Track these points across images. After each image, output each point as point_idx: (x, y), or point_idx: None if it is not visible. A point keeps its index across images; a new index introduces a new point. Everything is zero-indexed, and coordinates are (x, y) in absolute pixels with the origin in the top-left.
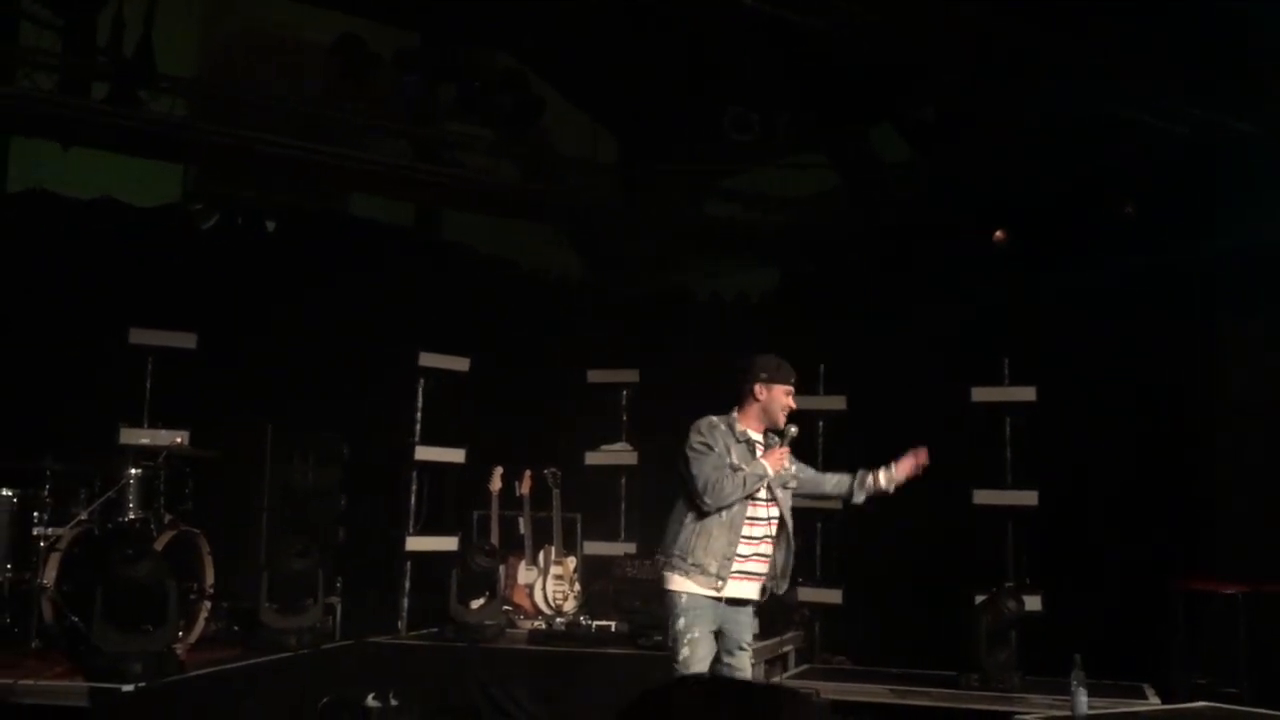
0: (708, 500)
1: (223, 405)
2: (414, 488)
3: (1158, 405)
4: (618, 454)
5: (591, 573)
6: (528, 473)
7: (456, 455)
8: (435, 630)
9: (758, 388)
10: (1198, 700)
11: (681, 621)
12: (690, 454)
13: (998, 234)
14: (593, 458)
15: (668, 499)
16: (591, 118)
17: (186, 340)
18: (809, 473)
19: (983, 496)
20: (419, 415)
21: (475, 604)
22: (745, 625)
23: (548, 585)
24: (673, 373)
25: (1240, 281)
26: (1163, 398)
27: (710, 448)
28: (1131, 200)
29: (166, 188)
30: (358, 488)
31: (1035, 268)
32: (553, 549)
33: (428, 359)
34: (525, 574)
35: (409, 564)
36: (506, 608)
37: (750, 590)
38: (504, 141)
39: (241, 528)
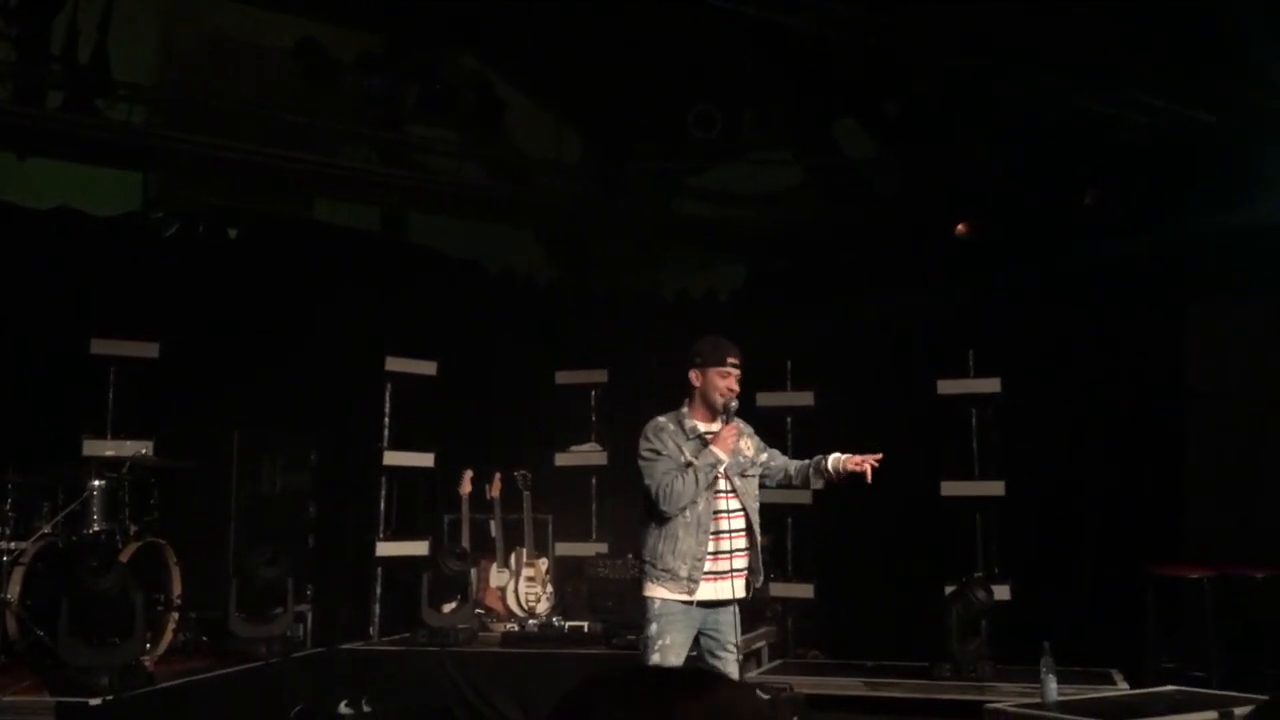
0: (664, 507)
1: (188, 414)
2: (383, 493)
3: (1124, 393)
4: (588, 454)
5: (564, 574)
6: (498, 475)
7: (426, 459)
8: (407, 635)
9: (693, 374)
10: (1166, 684)
11: (654, 627)
12: (641, 464)
13: (959, 227)
14: (563, 459)
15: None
16: (556, 118)
17: (149, 350)
18: (779, 460)
19: (951, 488)
20: (387, 420)
21: (447, 608)
22: (728, 626)
23: (520, 587)
24: (642, 372)
25: (1205, 270)
26: (1128, 385)
27: (658, 453)
28: (1092, 191)
29: (127, 196)
30: (326, 494)
31: (999, 260)
32: (524, 551)
33: (395, 363)
34: (497, 576)
35: (380, 569)
36: (479, 611)
37: (727, 590)
38: (468, 143)
39: (209, 537)
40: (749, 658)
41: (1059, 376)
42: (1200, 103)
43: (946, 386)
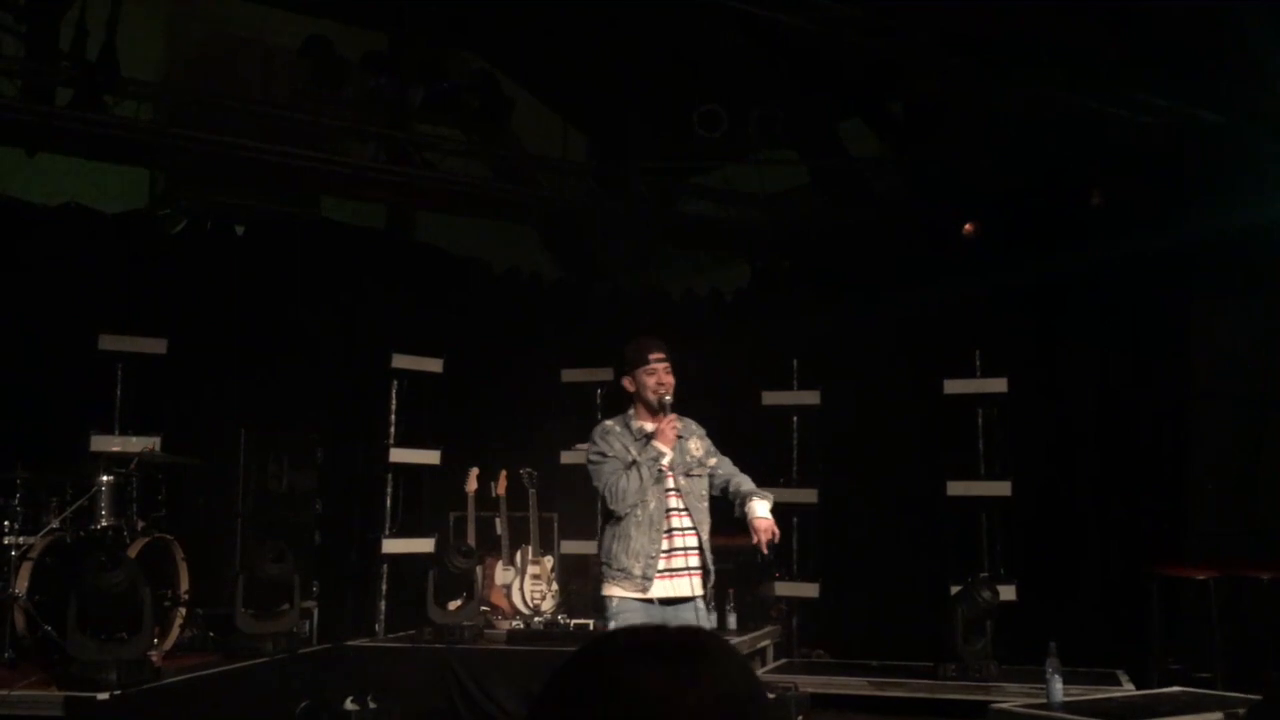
0: (614, 505)
1: (195, 411)
2: (389, 490)
3: (1129, 393)
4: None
5: (569, 572)
6: (503, 473)
7: (432, 457)
8: (413, 632)
9: (625, 381)
10: (1172, 685)
11: (613, 626)
12: (590, 467)
13: (967, 227)
14: (568, 457)
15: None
16: (561, 117)
17: (157, 346)
18: (726, 468)
19: (956, 488)
20: (393, 417)
21: (453, 605)
22: (690, 624)
23: (525, 585)
24: None
25: (1209, 269)
26: (1134, 385)
27: (605, 455)
28: (1098, 191)
29: (134, 193)
30: (333, 491)
31: (1005, 259)
32: (529, 549)
33: (401, 361)
34: (502, 574)
35: (385, 566)
36: (484, 608)
37: (684, 588)
38: (474, 142)
39: (216, 533)
40: (754, 657)
41: (1065, 377)
42: (1204, 102)
43: (953, 386)
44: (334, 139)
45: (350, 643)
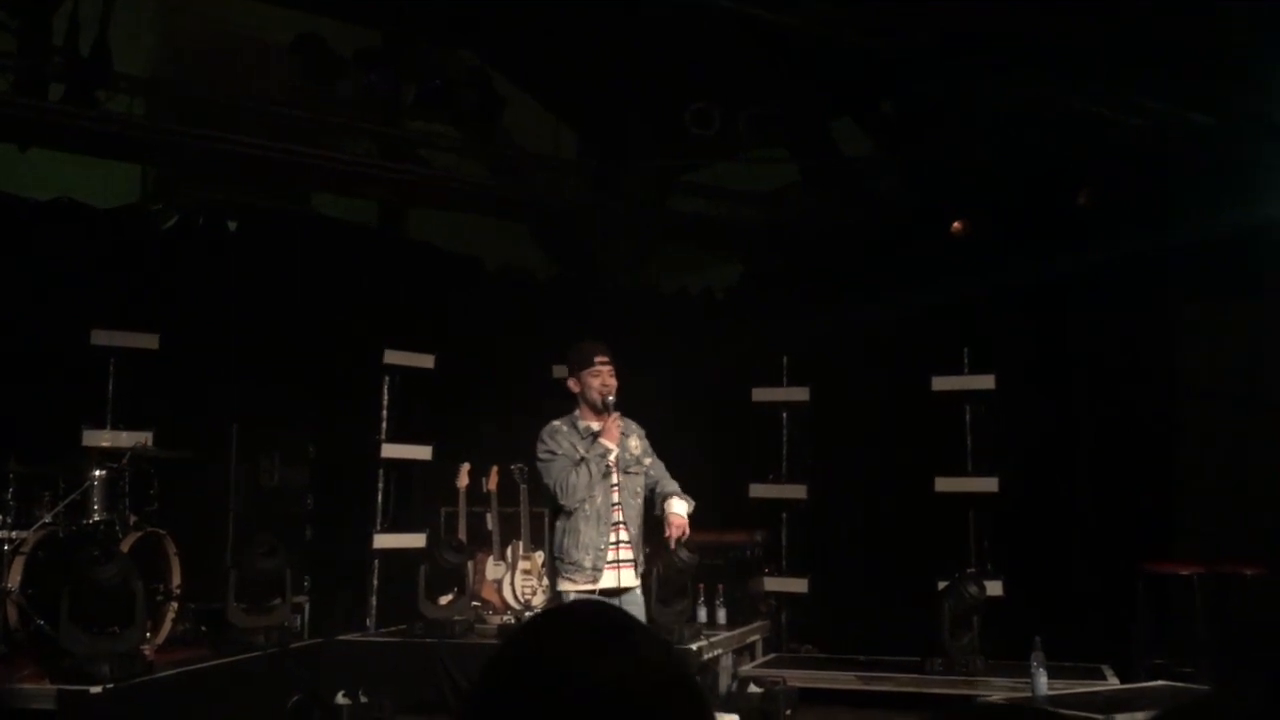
0: (564, 500)
1: (187, 405)
2: (381, 485)
3: (1115, 391)
4: None
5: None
6: (494, 469)
7: (423, 452)
8: (404, 627)
9: (571, 383)
10: (1156, 680)
11: None
12: (540, 466)
13: (955, 225)
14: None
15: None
16: (554, 114)
17: (149, 341)
18: (657, 471)
19: (944, 484)
20: (385, 413)
21: (444, 600)
22: (633, 613)
23: (516, 580)
24: (639, 368)
25: (1198, 270)
26: (1121, 383)
27: (554, 453)
28: (1085, 191)
29: (126, 188)
30: (324, 486)
31: (994, 257)
32: (520, 544)
33: (393, 356)
34: (493, 569)
35: (377, 561)
36: (475, 603)
37: (627, 578)
38: (467, 139)
39: (208, 528)
40: (743, 651)
41: (1053, 374)
42: (1194, 105)
43: (941, 383)
44: (327, 135)
45: (342, 637)
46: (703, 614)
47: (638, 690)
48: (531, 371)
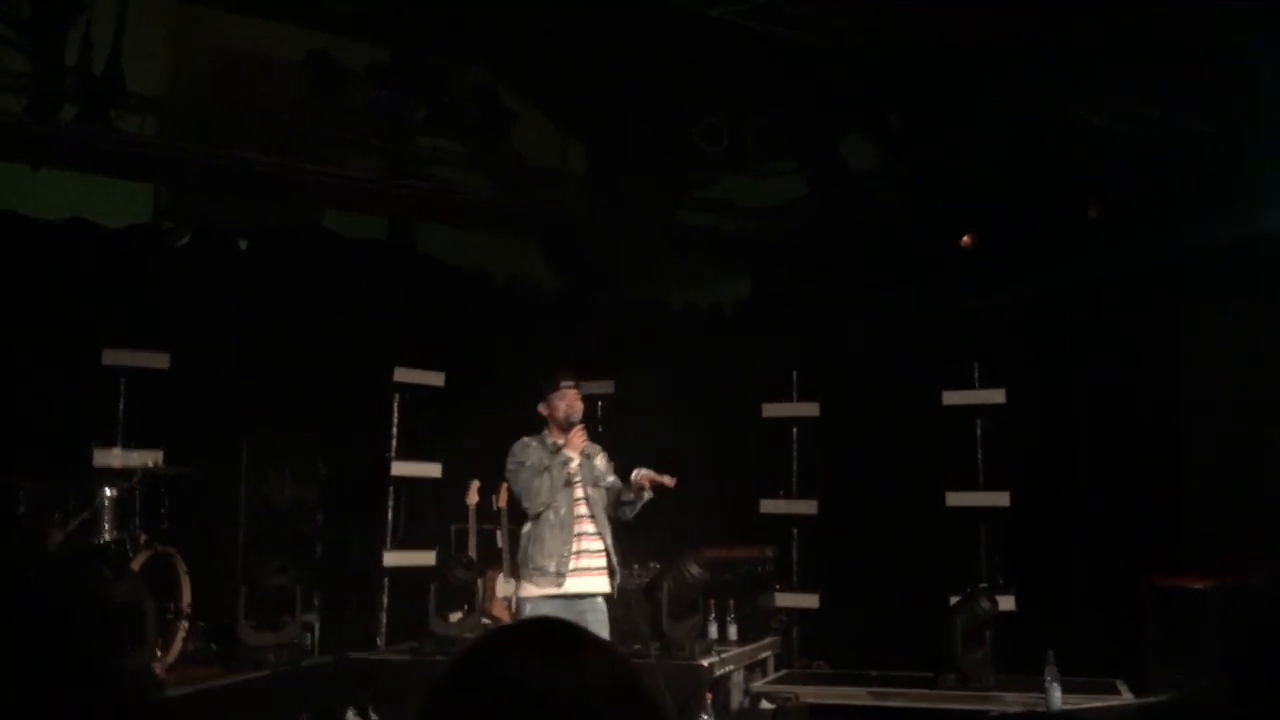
0: (529, 505)
1: (197, 424)
2: (391, 503)
3: (1125, 403)
4: None
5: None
6: (504, 486)
7: (433, 470)
8: (414, 645)
9: (541, 407)
10: (1170, 693)
11: None
12: (509, 476)
13: (965, 238)
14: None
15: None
16: (562, 129)
17: (160, 360)
18: (620, 484)
19: (955, 499)
20: (395, 430)
21: (454, 617)
22: (598, 620)
23: None
24: (649, 383)
25: (1204, 280)
26: (1131, 395)
27: (523, 463)
28: (1095, 203)
29: (138, 207)
30: (335, 504)
31: (1003, 271)
32: None
33: (403, 374)
34: (504, 586)
35: (387, 579)
36: (485, 620)
37: (593, 584)
38: (475, 154)
39: (218, 546)
40: (755, 667)
41: (1062, 387)
42: (1197, 113)
43: (951, 397)
44: (336, 152)
45: (352, 655)
46: (714, 630)
47: (588, 704)
48: (540, 386)
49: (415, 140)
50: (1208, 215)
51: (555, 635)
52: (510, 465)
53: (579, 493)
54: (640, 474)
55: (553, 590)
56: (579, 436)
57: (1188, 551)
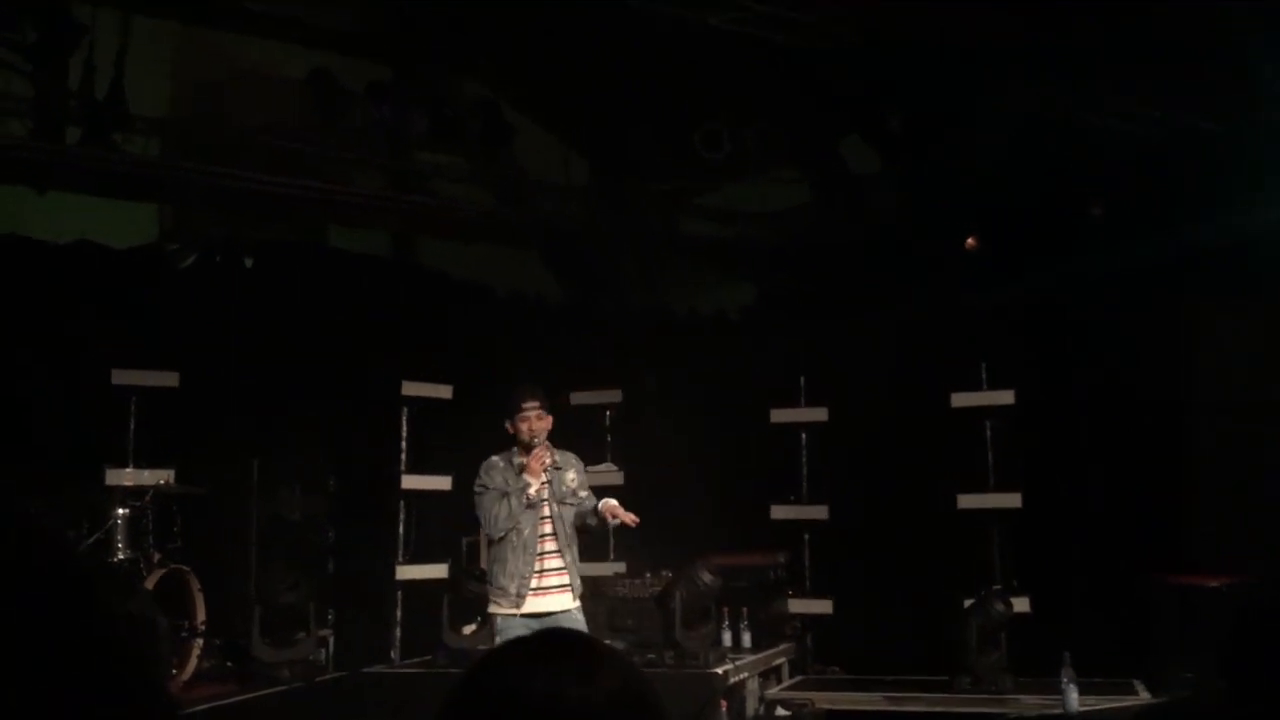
0: (488, 530)
1: (207, 442)
2: (402, 516)
3: (1135, 402)
4: (604, 475)
5: (582, 595)
6: None
7: (443, 482)
8: (428, 658)
9: (508, 425)
10: (1184, 692)
11: (498, 641)
12: (475, 498)
13: (970, 241)
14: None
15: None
16: (562, 141)
17: (169, 379)
18: (592, 501)
19: (967, 501)
20: (404, 444)
21: (467, 630)
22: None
23: None
24: (655, 391)
25: (1210, 277)
26: (1139, 394)
27: (486, 487)
28: (1099, 202)
29: (143, 228)
30: (345, 519)
31: (1008, 271)
32: None
33: (410, 387)
34: None
35: (400, 592)
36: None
37: (554, 603)
38: (476, 168)
39: (231, 563)
40: (769, 674)
41: (1071, 386)
42: (1199, 111)
43: (960, 399)
44: (339, 169)
45: (366, 669)
46: (727, 637)
47: (597, 716)
48: (549, 397)
49: (417, 155)
50: (1210, 214)
51: (565, 647)
52: (475, 488)
53: (545, 511)
54: (606, 504)
55: (513, 610)
56: (537, 462)
57: (1202, 549)
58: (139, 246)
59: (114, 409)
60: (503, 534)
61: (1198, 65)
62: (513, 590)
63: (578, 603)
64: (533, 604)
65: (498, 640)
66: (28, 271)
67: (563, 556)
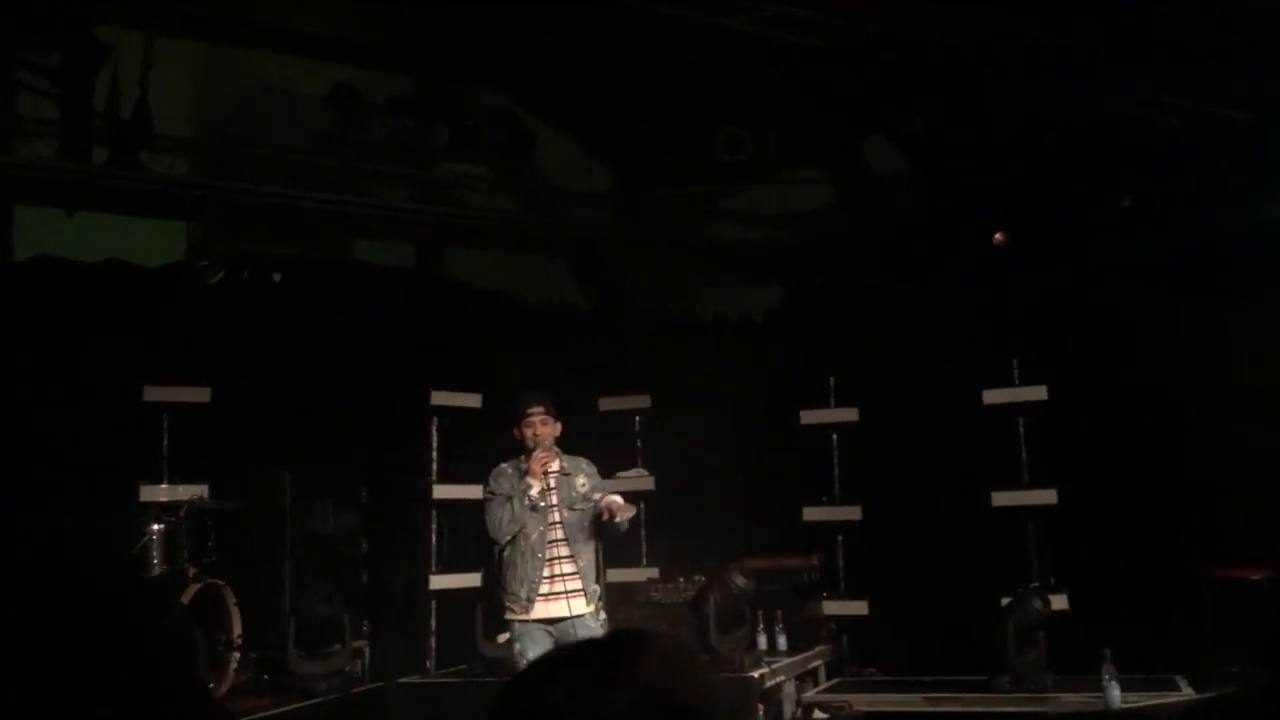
0: (493, 535)
1: (240, 457)
2: (434, 527)
3: (1170, 394)
4: (634, 480)
5: (615, 600)
6: None
7: (474, 492)
8: (464, 667)
9: (515, 431)
10: (1230, 687)
11: (517, 646)
12: (484, 504)
13: (998, 236)
14: (610, 486)
15: (687, 522)
16: (584, 149)
17: (201, 395)
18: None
19: (1001, 498)
20: (434, 454)
21: (502, 638)
22: (583, 638)
23: None
24: (684, 395)
25: (1246, 268)
26: (1174, 386)
27: (494, 493)
28: (1128, 194)
29: (171, 246)
30: (378, 530)
31: (1037, 266)
32: None
33: (440, 397)
34: None
35: (434, 603)
36: None
37: (562, 609)
38: (499, 178)
39: (266, 576)
40: (805, 677)
41: (1105, 381)
42: (1227, 101)
43: (992, 396)
44: (363, 182)
45: (402, 680)
46: (763, 640)
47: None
48: (576, 405)
49: (440, 167)
50: (1242, 204)
51: (619, 651)
52: (484, 494)
53: (555, 516)
54: (607, 500)
55: (524, 616)
56: (537, 464)
57: (1240, 542)
58: (167, 264)
59: (147, 425)
60: (508, 538)
61: (1226, 54)
62: (523, 595)
63: (593, 607)
64: (543, 609)
65: (515, 646)
66: (59, 292)
67: (574, 561)
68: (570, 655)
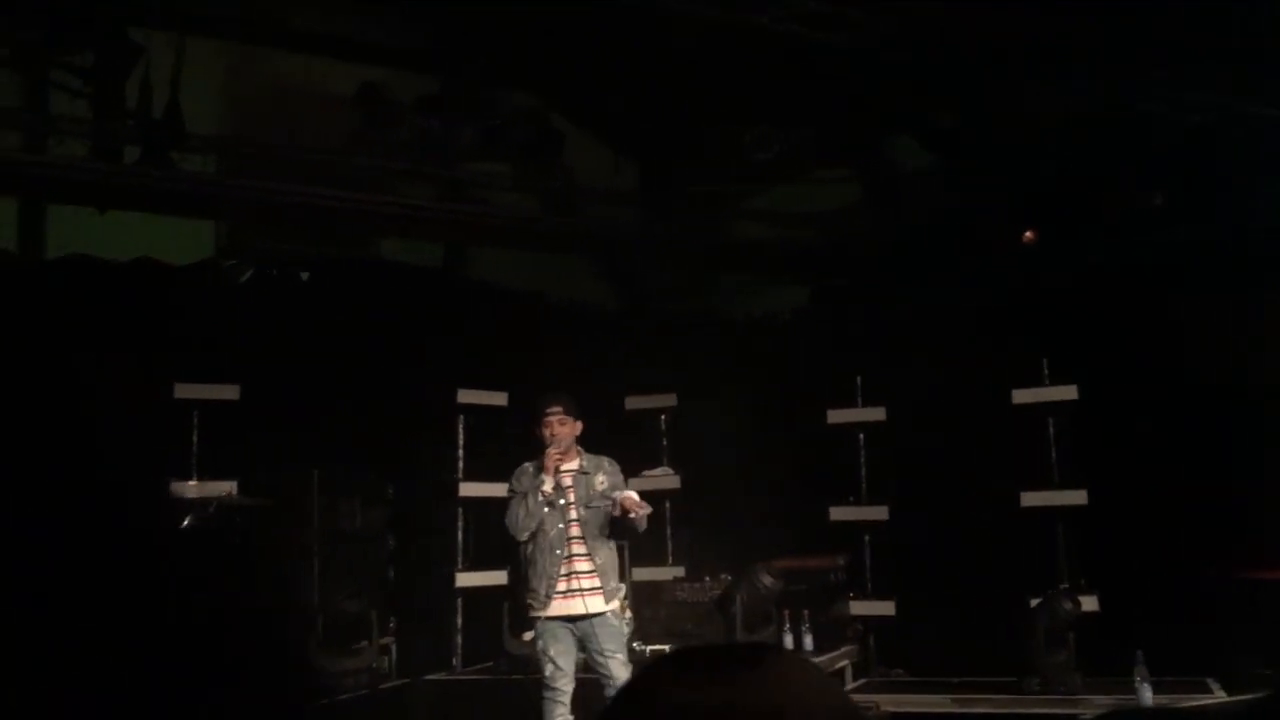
0: (512, 532)
1: (268, 454)
2: (460, 524)
3: (1201, 394)
4: (660, 479)
5: (642, 599)
6: None
7: (500, 489)
8: (490, 664)
9: (534, 430)
10: (1263, 690)
11: (540, 643)
12: (506, 501)
13: (1028, 234)
14: (636, 484)
15: (713, 521)
16: (611, 147)
17: (230, 392)
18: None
19: (1030, 498)
20: (461, 452)
21: (528, 636)
22: (603, 635)
23: None
24: (710, 394)
25: (1271, 266)
26: (1205, 386)
27: (514, 492)
28: (1159, 191)
29: (200, 244)
30: (405, 527)
31: (1067, 264)
32: None
33: (466, 395)
34: None
35: (460, 600)
36: None
37: (578, 607)
38: (526, 177)
39: (293, 574)
40: (833, 677)
41: (1135, 380)
42: (1257, 95)
43: (1022, 395)
44: (390, 182)
45: (429, 677)
46: (789, 640)
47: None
48: (602, 403)
49: (466, 166)
50: (1273, 200)
51: (727, 653)
52: (507, 492)
53: (572, 514)
54: (622, 497)
55: (543, 613)
56: (552, 460)
57: (1273, 543)
58: (197, 263)
59: (177, 423)
60: (526, 535)
61: (1257, 50)
62: (542, 591)
63: (614, 605)
64: (561, 606)
65: (539, 643)
66: (91, 290)
67: (591, 560)
68: (714, 653)
